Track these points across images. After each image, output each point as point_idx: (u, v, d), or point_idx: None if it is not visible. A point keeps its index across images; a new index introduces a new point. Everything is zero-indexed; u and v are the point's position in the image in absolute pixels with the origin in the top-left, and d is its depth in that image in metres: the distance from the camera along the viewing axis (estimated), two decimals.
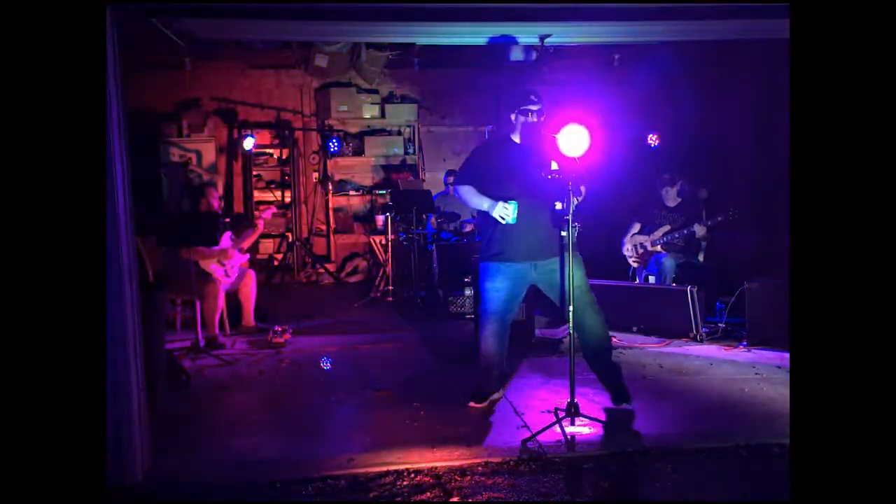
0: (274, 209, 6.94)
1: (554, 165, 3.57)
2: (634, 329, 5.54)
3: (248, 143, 8.09)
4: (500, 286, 3.88)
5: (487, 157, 3.93)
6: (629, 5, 3.59)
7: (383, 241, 7.75)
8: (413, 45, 7.56)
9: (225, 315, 5.75)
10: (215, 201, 5.67)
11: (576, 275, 3.76)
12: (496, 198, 3.75)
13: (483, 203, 3.81)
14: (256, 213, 6.15)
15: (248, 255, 5.91)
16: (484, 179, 3.86)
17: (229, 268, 5.59)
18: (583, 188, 3.65)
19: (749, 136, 7.79)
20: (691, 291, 5.29)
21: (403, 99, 8.95)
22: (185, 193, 7.86)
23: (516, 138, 3.85)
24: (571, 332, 3.62)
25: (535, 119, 3.75)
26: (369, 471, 3.16)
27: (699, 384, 4.35)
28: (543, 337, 5.48)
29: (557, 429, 3.52)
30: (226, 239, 5.60)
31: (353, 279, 8.46)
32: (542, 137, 3.64)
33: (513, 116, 3.83)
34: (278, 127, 8.76)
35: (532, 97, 3.76)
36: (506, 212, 3.71)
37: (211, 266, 5.48)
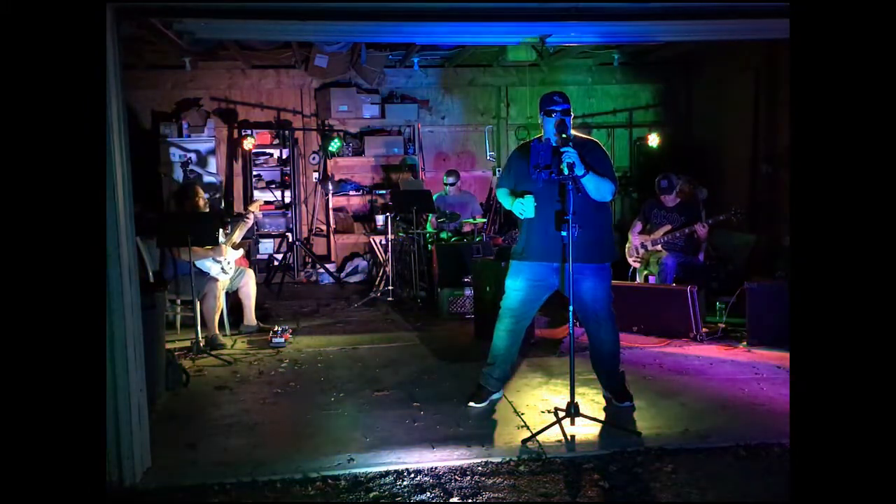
0: (262, 202, 6.93)
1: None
2: (634, 329, 5.54)
3: (248, 143, 8.10)
4: (519, 286, 3.89)
5: (516, 159, 3.99)
6: (629, 5, 3.59)
7: (383, 241, 7.75)
8: (413, 44, 7.56)
9: (225, 315, 5.75)
10: (201, 201, 5.65)
11: (595, 286, 3.76)
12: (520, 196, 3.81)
13: (509, 202, 3.88)
14: (248, 208, 6.13)
15: (241, 251, 5.90)
16: (515, 181, 3.92)
17: (226, 264, 5.59)
18: (602, 185, 3.67)
19: (749, 136, 7.79)
20: (691, 291, 5.29)
21: (403, 99, 8.96)
22: (170, 194, 7.87)
23: (543, 139, 3.87)
24: (571, 332, 3.62)
25: (559, 119, 3.72)
26: (369, 471, 3.16)
27: (699, 384, 4.35)
28: (543, 337, 5.48)
29: (557, 429, 3.52)
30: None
31: (353, 279, 8.46)
32: (563, 137, 3.63)
33: (540, 119, 3.86)
34: (278, 127, 8.76)
35: (555, 97, 3.78)
36: (521, 206, 3.75)
37: (206, 264, 5.48)
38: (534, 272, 3.85)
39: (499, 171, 9.01)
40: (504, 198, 3.96)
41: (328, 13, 3.61)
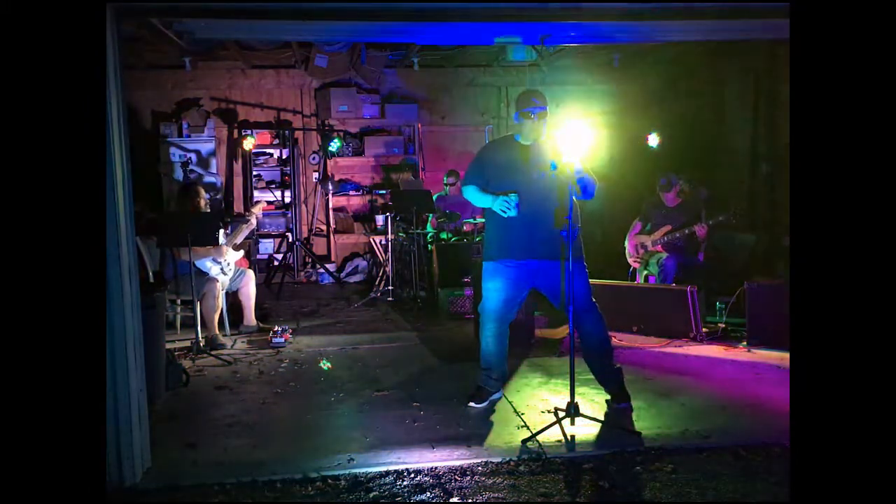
0: (264, 204, 6.92)
1: (556, 164, 3.58)
2: (634, 329, 5.54)
3: (248, 143, 8.10)
4: (499, 286, 3.89)
5: (491, 157, 4.01)
6: (629, 5, 3.59)
7: (383, 241, 7.75)
8: (413, 44, 7.55)
9: (225, 315, 5.75)
10: (202, 201, 5.66)
11: (577, 282, 3.77)
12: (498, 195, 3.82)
13: (486, 200, 3.87)
14: (250, 210, 6.11)
15: (241, 252, 5.90)
16: (488, 179, 3.93)
17: (226, 265, 5.59)
18: (593, 186, 3.73)
19: (749, 136, 7.79)
20: (691, 291, 5.29)
21: (403, 99, 8.96)
22: (170, 194, 7.88)
23: (521, 139, 3.89)
24: (572, 332, 3.62)
25: (537, 120, 3.77)
26: (369, 471, 3.16)
27: (699, 384, 4.35)
28: (543, 337, 5.48)
29: (557, 429, 3.52)
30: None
31: (353, 279, 8.46)
32: (545, 137, 3.69)
33: (517, 117, 3.87)
34: (278, 127, 8.76)
35: (534, 98, 3.80)
36: (506, 204, 3.76)
37: (206, 264, 5.48)
38: (513, 271, 3.86)
39: None
40: (475, 195, 3.94)
41: (328, 13, 3.61)
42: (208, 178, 8.22)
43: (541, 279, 3.86)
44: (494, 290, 3.91)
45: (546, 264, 3.80)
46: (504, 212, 3.78)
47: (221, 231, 5.49)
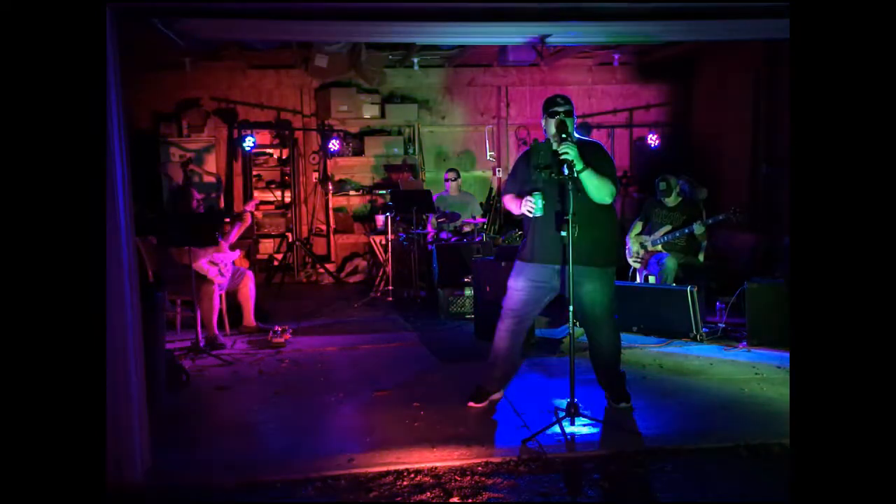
0: (257, 200, 6.90)
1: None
2: (634, 329, 5.54)
3: (248, 143, 8.10)
4: (521, 286, 3.87)
5: (523, 163, 3.95)
6: (629, 5, 3.58)
7: (383, 241, 7.75)
8: (413, 44, 7.55)
9: (225, 315, 5.75)
10: (194, 202, 5.66)
11: (598, 291, 3.75)
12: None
13: (515, 204, 3.83)
14: (243, 208, 6.08)
15: (238, 252, 5.89)
16: (520, 186, 3.88)
17: (222, 266, 5.58)
18: (599, 186, 3.65)
19: (749, 136, 7.80)
20: (691, 291, 5.29)
21: (403, 99, 8.96)
22: (168, 195, 7.88)
23: (548, 142, 3.85)
24: (571, 332, 3.62)
25: (559, 120, 3.70)
26: (369, 471, 3.16)
27: (699, 384, 4.36)
28: (543, 337, 5.48)
29: (557, 429, 3.53)
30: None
31: (353, 279, 8.46)
32: (570, 139, 3.61)
33: (543, 121, 3.85)
34: (278, 127, 8.76)
35: (558, 99, 3.78)
36: (530, 204, 3.69)
37: (203, 265, 5.47)
38: (536, 273, 3.84)
39: (499, 171, 9.02)
40: (510, 203, 3.91)
41: (328, 13, 3.61)
42: (208, 179, 8.22)
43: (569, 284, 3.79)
44: (516, 289, 3.89)
45: (574, 270, 3.62)
46: (529, 212, 3.71)
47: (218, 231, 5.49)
